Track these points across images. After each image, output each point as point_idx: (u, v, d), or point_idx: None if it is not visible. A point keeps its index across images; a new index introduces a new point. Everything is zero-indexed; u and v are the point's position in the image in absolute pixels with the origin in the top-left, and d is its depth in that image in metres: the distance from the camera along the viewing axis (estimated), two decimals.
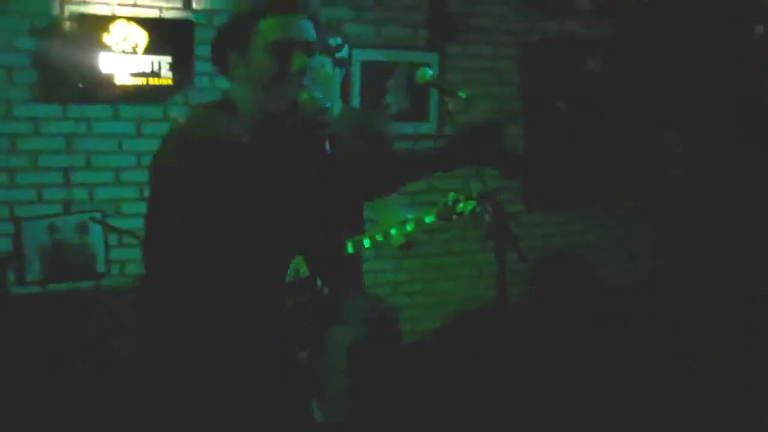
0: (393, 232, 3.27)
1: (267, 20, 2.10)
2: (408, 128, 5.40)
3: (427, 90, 5.34)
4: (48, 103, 4.48)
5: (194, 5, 4.74)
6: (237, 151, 2.13)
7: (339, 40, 3.19)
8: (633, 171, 6.25)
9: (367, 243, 3.25)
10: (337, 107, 3.22)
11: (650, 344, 5.18)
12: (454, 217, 3.29)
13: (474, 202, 3.23)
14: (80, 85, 4.42)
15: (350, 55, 3.31)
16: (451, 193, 3.26)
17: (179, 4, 4.71)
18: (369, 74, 5.25)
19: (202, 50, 4.64)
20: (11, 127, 4.42)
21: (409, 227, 3.27)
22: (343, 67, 3.27)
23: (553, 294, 5.88)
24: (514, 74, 5.85)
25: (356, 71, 5.21)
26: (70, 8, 4.46)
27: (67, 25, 4.45)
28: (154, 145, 4.61)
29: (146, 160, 4.63)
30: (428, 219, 3.27)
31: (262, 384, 2.24)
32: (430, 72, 3.00)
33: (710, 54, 6.26)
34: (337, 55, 3.18)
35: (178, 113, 4.63)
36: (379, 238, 3.26)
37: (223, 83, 4.76)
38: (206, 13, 4.75)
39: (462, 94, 2.95)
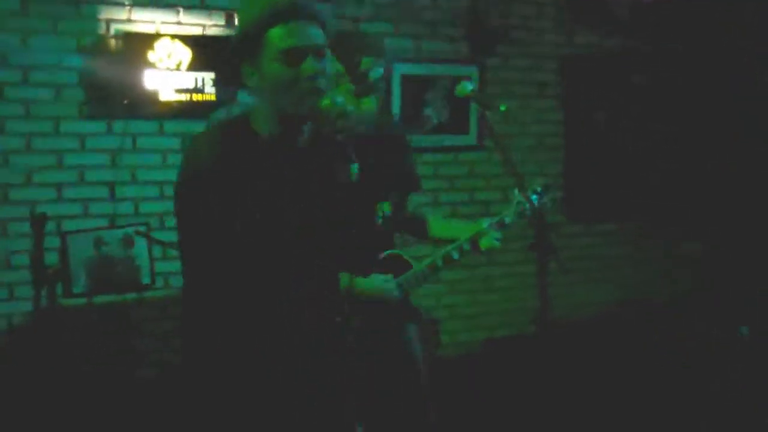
0: (483, 241, 3.19)
1: (275, 29, 2.15)
2: (448, 140, 5.45)
3: (468, 103, 5.39)
4: (94, 120, 4.59)
5: (236, 22, 4.82)
6: (233, 172, 2.18)
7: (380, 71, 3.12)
8: (672, 185, 6.22)
9: (456, 255, 3.24)
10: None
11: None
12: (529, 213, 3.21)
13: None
14: (126, 102, 4.53)
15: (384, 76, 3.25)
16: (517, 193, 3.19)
17: (221, 22, 4.80)
18: (409, 87, 5.30)
19: None
20: (59, 143, 4.54)
21: (496, 233, 3.20)
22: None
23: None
24: (554, 87, 5.86)
25: (396, 85, 5.27)
26: (116, 27, 4.58)
27: (113, 43, 4.57)
28: None
29: None
30: (507, 219, 3.23)
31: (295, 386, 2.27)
32: (470, 86, 3.04)
33: (755, 67, 6.22)
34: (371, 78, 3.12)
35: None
36: (467, 247, 3.22)
37: None
38: None
39: (502, 108, 2.97)
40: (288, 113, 2.19)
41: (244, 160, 2.20)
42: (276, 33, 2.15)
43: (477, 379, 5.18)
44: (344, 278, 2.89)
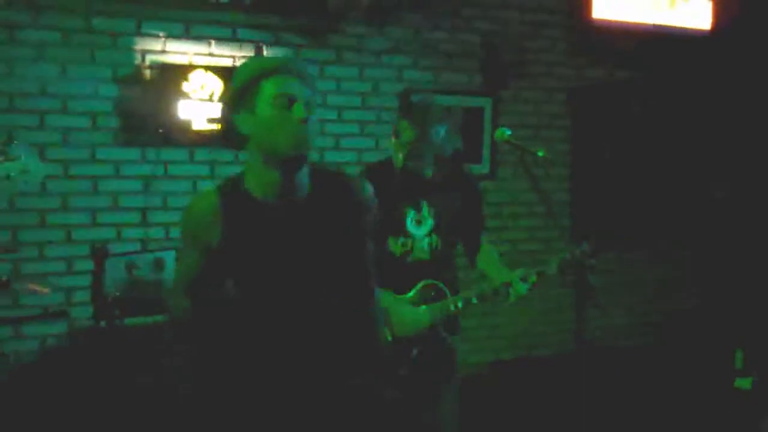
0: (519, 286, 3.44)
1: (268, 80, 2.35)
2: None
3: (481, 133, 5.64)
4: (128, 147, 4.75)
5: (265, 54, 5.00)
6: (224, 233, 2.40)
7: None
8: (676, 214, 6.46)
9: (474, 300, 3.51)
10: None
11: None
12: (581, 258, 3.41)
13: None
14: (160, 131, 4.68)
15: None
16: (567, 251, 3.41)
17: (252, 53, 4.97)
18: None
19: None
20: (94, 169, 4.69)
21: (532, 279, 3.44)
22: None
23: None
24: (563, 118, 6.08)
25: None
26: (151, 58, 4.75)
27: (148, 73, 4.74)
28: None
29: None
30: (550, 271, 3.47)
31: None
32: (508, 132, 3.27)
33: (753, 97, 6.50)
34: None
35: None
36: (486, 291, 3.50)
37: None
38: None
39: (540, 153, 3.19)
40: (279, 155, 2.36)
41: (236, 222, 2.40)
42: (270, 82, 2.35)
43: (484, 401, 5.35)
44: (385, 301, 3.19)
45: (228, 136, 2.46)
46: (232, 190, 2.44)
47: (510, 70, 5.81)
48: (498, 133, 3.33)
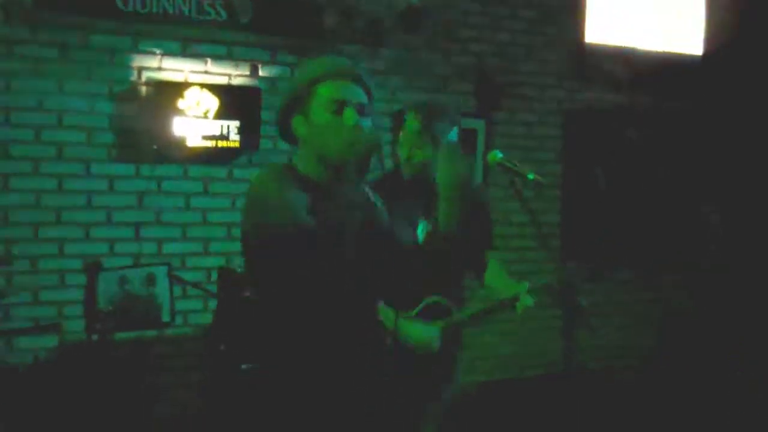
0: (527, 298, 3.38)
1: (324, 84, 2.44)
2: None
3: (474, 155, 5.67)
4: (123, 163, 4.78)
5: (260, 72, 5.05)
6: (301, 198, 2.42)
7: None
8: (669, 239, 6.51)
9: (481, 313, 3.52)
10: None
11: None
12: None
13: None
14: (154, 147, 4.72)
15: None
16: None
17: (247, 72, 5.02)
18: None
19: (267, 115, 4.94)
20: (88, 184, 4.72)
21: (534, 295, 3.45)
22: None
23: None
24: (556, 140, 6.14)
25: None
26: (147, 75, 4.79)
27: (144, 90, 4.78)
28: (220, 202, 4.97)
29: (212, 217, 4.96)
30: (553, 283, 3.47)
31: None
32: (500, 154, 3.28)
33: (745, 121, 6.57)
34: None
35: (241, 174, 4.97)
36: (494, 304, 3.48)
37: (285, 146, 5.08)
38: (271, 80, 5.07)
39: (530, 176, 3.20)
40: (330, 157, 2.43)
41: (313, 196, 2.43)
42: (325, 87, 2.44)
43: (473, 422, 5.36)
44: (389, 319, 3.15)
45: (284, 136, 2.57)
46: (292, 171, 2.50)
47: (503, 93, 5.87)
48: (490, 155, 3.34)
